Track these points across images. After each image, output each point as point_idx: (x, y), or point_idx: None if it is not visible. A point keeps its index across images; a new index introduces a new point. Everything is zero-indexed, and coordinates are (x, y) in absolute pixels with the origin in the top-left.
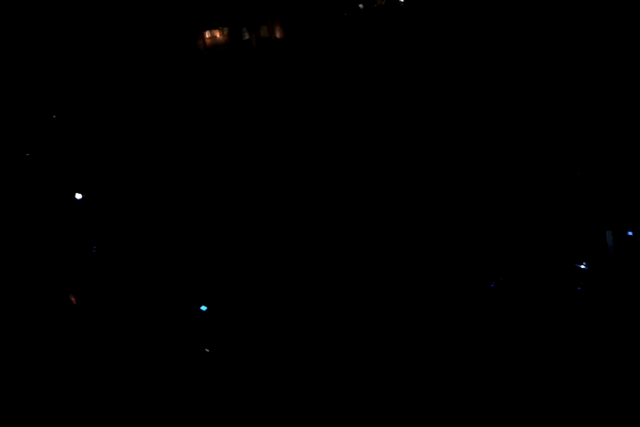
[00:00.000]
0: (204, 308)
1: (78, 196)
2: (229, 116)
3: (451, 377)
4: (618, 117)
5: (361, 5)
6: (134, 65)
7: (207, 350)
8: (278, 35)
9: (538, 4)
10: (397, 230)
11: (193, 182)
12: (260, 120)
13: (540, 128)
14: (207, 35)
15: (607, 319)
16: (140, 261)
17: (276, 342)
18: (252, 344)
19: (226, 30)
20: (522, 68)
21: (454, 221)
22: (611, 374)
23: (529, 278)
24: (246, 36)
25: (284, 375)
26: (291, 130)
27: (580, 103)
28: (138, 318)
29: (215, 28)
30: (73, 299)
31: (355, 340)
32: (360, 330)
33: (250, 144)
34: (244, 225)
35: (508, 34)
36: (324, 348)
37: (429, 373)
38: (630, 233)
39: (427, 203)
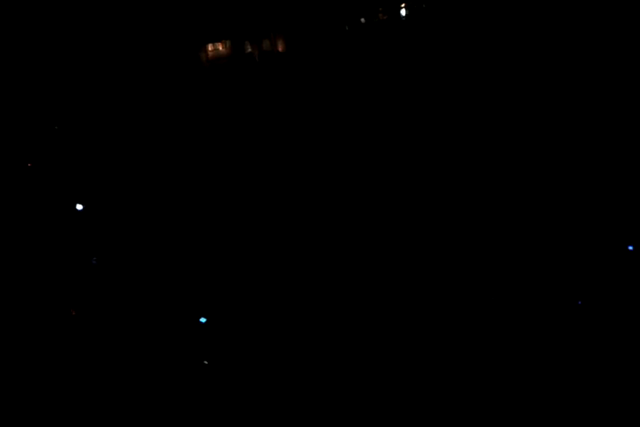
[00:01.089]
0: (203, 320)
1: (79, 207)
2: (232, 128)
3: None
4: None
5: (363, 20)
6: (136, 78)
7: (206, 362)
8: (280, 48)
9: (539, 19)
10: (397, 235)
11: (194, 194)
12: (263, 132)
13: (546, 135)
14: (210, 48)
15: (607, 334)
16: (140, 271)
17: (277, 353)
18: (252, 355)
19: (228, 43)
20: (523, 85)
21: (455, 229)
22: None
23: (529, 292)
24: (249, 49)
25: (286, 390)
26: (292, 141)
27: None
28: (137, 329)
29: (218, 41)
30: (72, 310)
31: (354, 351)
32: (359, 342)
33: (252, 156)
34: (243, 236)
35: (511, 51)
36: (326, 362)
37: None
38: (631, 248)
39: (428, 211)
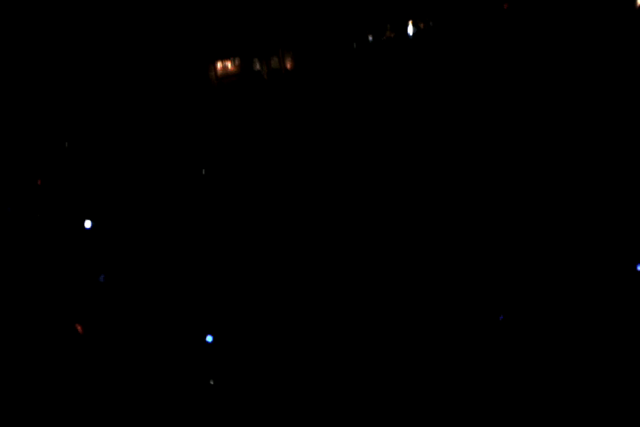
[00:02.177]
0: (209, 338)
1: (88, 224)
2: (240, 147)
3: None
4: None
5: (370, 37)
6: (145, 96)
7: (212, 382)
8: (289, 65)
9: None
10: (399, 241)
11: (201, 209)
12: (270, 150)
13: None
14: (218, 65)
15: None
16: (147, 288)
17: (283, 373)
18: (259, 374)
19: (237, 61)
20: (527, 106)
21: (459, 242)
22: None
23: (539, 311)
24: (257, 67)
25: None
26: (300, 160)
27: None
28: (144, 346)
29: (226, 58)
30: (79, 328)
31: (356, 361)
32: (361, 353)
33: (260, 174)
34: (250, 249)
35: (520, 69)
36: (332, 378)
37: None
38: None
39: (432, 218)
